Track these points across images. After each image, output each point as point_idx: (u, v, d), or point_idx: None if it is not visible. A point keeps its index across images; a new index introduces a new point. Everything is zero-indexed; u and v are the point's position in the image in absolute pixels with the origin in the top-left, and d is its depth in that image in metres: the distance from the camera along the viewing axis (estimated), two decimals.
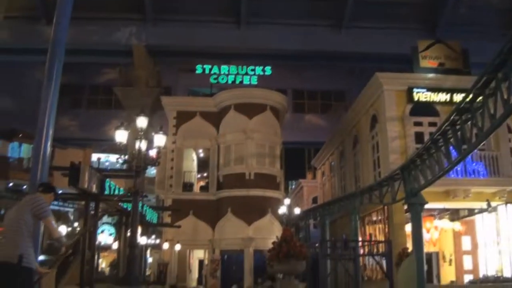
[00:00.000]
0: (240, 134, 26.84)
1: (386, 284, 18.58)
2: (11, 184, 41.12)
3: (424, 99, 21.08)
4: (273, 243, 10.55)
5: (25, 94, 35.33)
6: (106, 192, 13.77)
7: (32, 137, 35.79)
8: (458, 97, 19.99)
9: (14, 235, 4.98)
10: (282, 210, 25.98)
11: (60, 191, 15.68)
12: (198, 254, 28.81)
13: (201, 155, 30.04)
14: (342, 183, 30.43)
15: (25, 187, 42.87)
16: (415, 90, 21.16)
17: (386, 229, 20.99)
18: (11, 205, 31.02)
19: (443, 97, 21.07)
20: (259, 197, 25.88)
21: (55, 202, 25.66)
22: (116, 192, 14.95)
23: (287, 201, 27.10)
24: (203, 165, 29.94)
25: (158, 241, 27.19)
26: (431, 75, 21.74)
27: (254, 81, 34.36)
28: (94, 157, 38.84)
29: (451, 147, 10.99)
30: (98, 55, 33.77)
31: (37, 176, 7.18)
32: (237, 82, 33.96)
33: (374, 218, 23.02)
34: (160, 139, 9.66)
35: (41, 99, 8.09)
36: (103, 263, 29.99)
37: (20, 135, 41.08)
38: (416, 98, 21.06)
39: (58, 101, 8.40)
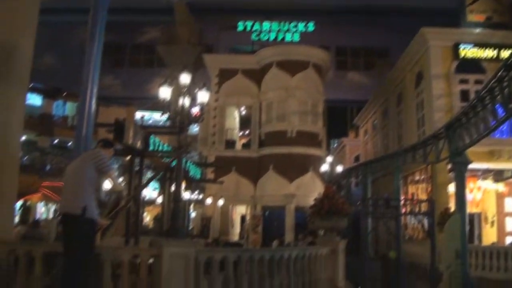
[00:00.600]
0: (282, 91, 26.68)
1: (427, 243, 18.54)
2: (56, 141, 42.41)
3: (470, 56, 20.44)
4: (315, 199, 10.60)
5: (68, 53, 35.96)
6: (151, 148, 14.04)
7: (76, 95, 36.65)
8: (505, 53, 19.32)
9: (77, 188, 5.15)
10: (324, 168, 25.97)
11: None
12: (240, 209, 29.25)
13: (243, 112, 30.08)
14: (385, 142, 30.13)
15: (70, 143, 44.24)
16: (461, 46, 20.52)
17: (429, 189, 20.80)
18: (56, 161, 32.15)
19: (490, 53, 20.39)
20: (301, 154, 25.89)
21: None
22: (160, 148, 15.24)
23: (329, 159, 27.03)
24: (245, 122, 30.00)
25: (201, 196, 27.69)
26: (478, 30, 20.99)
27: (297, 38, 33.94)
28: (138, 115, 39.50)
29: (497, 105, 10.69)
30: (140, 13, 33.88)
31: (82, 133, 7.34)
32: (279, 39, 33.63)
33: (417, 178, 22.80)
34: (203, 96, 9.70)
35: (84, 58, 8.21)
36: (147, 217, 30.86)
37: (64, 94, 42.05)
38: (462, 55, 20.44)
39: (101, 60, 8.52)
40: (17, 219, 18.32)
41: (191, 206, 26.84)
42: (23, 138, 24.35)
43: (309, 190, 23.51)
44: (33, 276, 6.76)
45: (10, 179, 8.69)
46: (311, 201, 11.27)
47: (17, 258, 6.74)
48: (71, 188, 5.19)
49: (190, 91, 9.00)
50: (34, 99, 38.27)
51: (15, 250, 6.78)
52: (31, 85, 9.50)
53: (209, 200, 26.60)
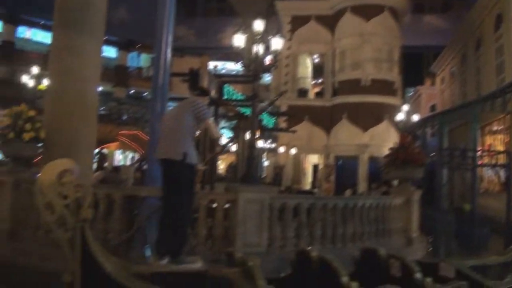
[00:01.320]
0: (356, 38, 25.93)
1: (503, 197, 17.90)
2: (131, 92, 43.82)
3: None
4: (391, 148, 10.42)
5: (141, 5, 36.35)
6: (225, 96, 14.20)
7: (150, 47, 37.31)
8: None
9: (177, 135, 5.32)
10: (399, 117, 25.36)
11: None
12: (313, 159, 29.29)
13: (316, 60, 29.65)
14: (463, 89, 28.94)
15: (145, 94, 45.55)
16: None
17: (507, 140, 19.89)
18: (132, 111, 33.18)
19: None
20: (375, 103, 25.33)
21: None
22: (234, 97, 15.40)
23: (404, 108, 26.32)
24: (318, 71, 29.61)
25: (273, 145, 27.93)
26: None
27: None
28: (211, 65, 39.87)
29: None
30: None
31: (159, 82, 7.50)
32: None
33: (495, 128, 21.85)
34: (277, 43, 9.63)
35: (158, 9, 8.28)
36: (221, 165, 31.55)
37: (139, 45, 43.02)
38: None
39: (174, 11, 8.57)
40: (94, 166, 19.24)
41: (264, 155, 27.15)
42: (100, 89, 25.33)
43: (383, 140, 23.11)
44: (112, 217, 7.17)
45: (90, 128, 9.11)
46: (385, 151, 11.10)
47: (97, 201, 7.12)
48: (171, 135, 5.35)
49: (263, 38, 8.94)
50: (109, 52, 39.44)
51: (96, 193, 7.16)
52: (106, 38, 9.75)
53: (281, 149, 26.77)
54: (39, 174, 4.24)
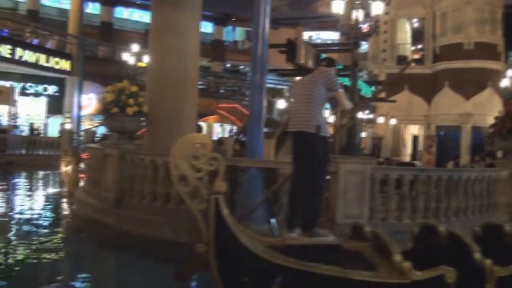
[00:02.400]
0: None
1: None
2: (228, 65, 44.42)
3: None
4: (496, 117, 9.70)
5: None
6: None
7: (245, 20, 37.42)
8: None
9: (309, 107, 5.26)
10: (504, 83, 23.73)
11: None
12: (412, 129, 28.30)
13: (415, 25, 28.32)
14: None
15: (241, 67, 46.03)
16: None
17: None
18: (229, 84, 33.80)
19: None
20: (479, 69, 23.81)
21: (270, 79, 27.03)
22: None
23: (509, 73, 24.56)
24: (417, 36, 28.28)
25: (372, 116, 27.25)
26: None
27: None
28: (305, 35, 39.37)
29: None
30: None
31: (258, 54, 7.44)
32: None
33: None
34: (377, 7, 9.19)
35: None
36: None
37: (233, 19, 43.34)
38: None
39: None
40: None
41: (362, 126, 26.61)
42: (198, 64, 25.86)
43: (487, 108, 21.77)
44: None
45: (190, 102, 9.37)
46: (489, 121, 10.36)
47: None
48: (303, 108, 5.30)
49: (363, 3, 8.56)
50: (206, 27, 40.05)
51: None
52: (202, 13, 9.91)
53: (380, 119, 26.06)
54: (173, 148, 4.36)
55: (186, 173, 4.28)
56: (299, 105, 5.36)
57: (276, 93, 32.03)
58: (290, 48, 11.53)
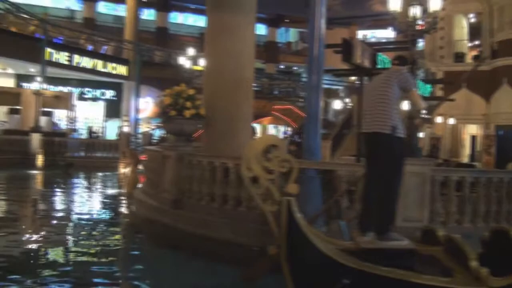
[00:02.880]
0: None
1: None
2: (281, 67, 44.41)
3: None
4: None
5: None
6: (379, 66, 13.63)
7: (298, 21, 37.28)
8: None
9: (384, 107, 5.17)
10: None
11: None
12: (471, 129, 27.42)
13: (472, 20, 27.43)
14: None
15: (295, 68, 45.93)
16: None
17: None
18: (283, 85, 33.80)
19: None
20: None
21: (325, 80, 26.84)
22: (388, 65, 14.72)
23: None
24: (474, 32, 27.40)
25: (429, 115, 26.61)
26: None
27: None
28: (359, 34, 38.89)
29: None
30: None
31: (313, 55, 7.39)
32: None
33: None
34: (435, 3, 8.97)
35: None
36: None
37: (287, 20, 43.32)
38: None
39: None
40: None
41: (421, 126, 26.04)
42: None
43: None
44: None
45: (247, 104, 9.46)
46: None
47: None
48: (377, 108, 5.21)
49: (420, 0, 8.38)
50: (259, 29, 40.26)
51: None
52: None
53: (438, 119, 25.41)
54: (245, 149, 4.42)
55: (258, 175, 4.30)
56: (373, 105, 5.23)
57: (332, 94, 31.79)
58: (346, 48, 11.37)
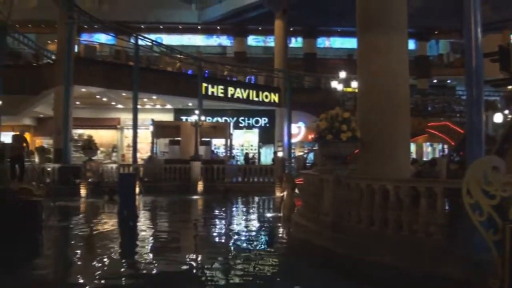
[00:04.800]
0: None
1: None
2: (434, 81, 42.47)
3: None
4: None
5: None
6: None
7: (447, 31, 35.36)
8: None
9: None
10: None
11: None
12: None
13: None
14: None
15: (449, 81, 43.64)
16: None
17: None
18: (437, 101, 32.13)
19: None
20: None
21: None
22: None
23: None
24: None
25: None
26: None
27: None
28: None
29: None
30: None
31: (472, 66, 7.02)
32: None
33: None
34: None
35: None
36: None
37: (436, 32, 41.53)
38: None
39: None
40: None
41: None
42: None
43: None
44: (434, 211, 6.93)
45: (403, 122, 9.24)
46: None
47: (418, 193, 7.01)
48: None
49: None
50: (409, 44, 39.19)
51: (416, 186, 7.09)
52: None
53: None
54: (466, 173, 4.17)
55: (480, 200, 4.03)
56: None
57: (489, 106, 29.63)
58: (503, 56, 10.68)
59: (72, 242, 11.46)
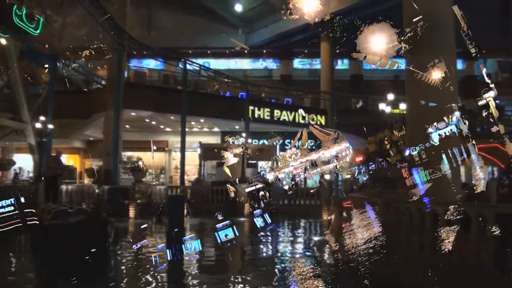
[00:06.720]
0: None
1: None
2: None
3: None
4: None
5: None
6: None
7: (494, 49, 34.52)
8: None
9: None
10: None
11: None
12: None
13: None
14: None
15: (497, 101, 42.43)
16: None
17: None
18: (486, 121, 31.45)
19: None
20: None
21: None
22: None
23: None
24: None
25: None
26: None
27: None
28: None
29: None
30: None
31: None
32: None
33: None
34: None
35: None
36: None
37: (483, 51, 40.61)
38: None
39: None
40: None
41: None
42: None
43: None
44: (485, 237, 6.77)
45: (455, 144, 9.03)
46: None
47: (468, 217, 6.86)
48: None
49: None
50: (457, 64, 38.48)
51: (461, 209, 6.93)
52: None
53: None
54: None
55: None
56: None
57: None
58: None
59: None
